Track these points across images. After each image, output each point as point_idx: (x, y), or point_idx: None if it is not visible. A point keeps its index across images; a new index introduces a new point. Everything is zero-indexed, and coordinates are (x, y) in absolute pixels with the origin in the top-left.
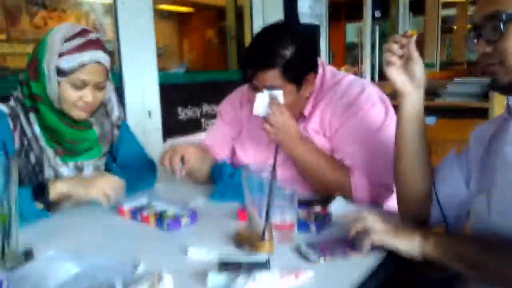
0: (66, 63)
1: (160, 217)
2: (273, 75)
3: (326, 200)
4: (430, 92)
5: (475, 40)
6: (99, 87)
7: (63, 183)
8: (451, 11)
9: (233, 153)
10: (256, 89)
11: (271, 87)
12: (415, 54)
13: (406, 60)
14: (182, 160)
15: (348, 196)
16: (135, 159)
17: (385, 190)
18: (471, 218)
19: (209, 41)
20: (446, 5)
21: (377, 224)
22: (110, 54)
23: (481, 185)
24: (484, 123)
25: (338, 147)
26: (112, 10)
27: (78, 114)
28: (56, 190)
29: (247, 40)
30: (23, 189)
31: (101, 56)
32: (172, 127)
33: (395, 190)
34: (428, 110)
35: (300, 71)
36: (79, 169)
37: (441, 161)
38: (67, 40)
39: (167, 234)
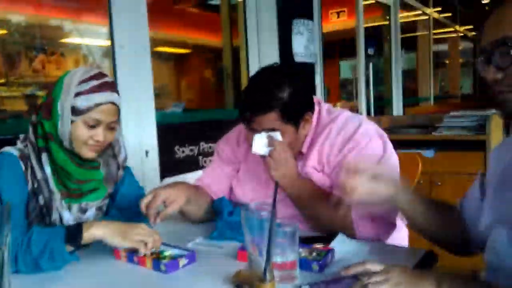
0: (82, 102)
1: (157, 259)
2: (271, 118)
3: (328, 237)
4: (427, 126)
5: (484, 66)
6: (110, 127)
7: (99, 228)
8: (443, 47)
9: (230, 191)
10: (255, 131)
11: (269, 130)
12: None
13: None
14: (164, 204)
15: (350, 233)
16: (134, 201)
17: (387, 225)
18: (488, 251)
19: (206, 81)
20: (437, 41)
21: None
22: None
23: (498, 215)
24: (501, 143)
25: (338, 184)
26: (109, 52)
27: (88, 153)
28: (90, 235)
29: (244, 79)
30: (57, 230)
31: (115, 97)
32: (170, 166)
33: (397, 224)
34: (426, 144)
35: (297, 112)
36: (82, 211)
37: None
38: (84, 81)
39: (165, 276)
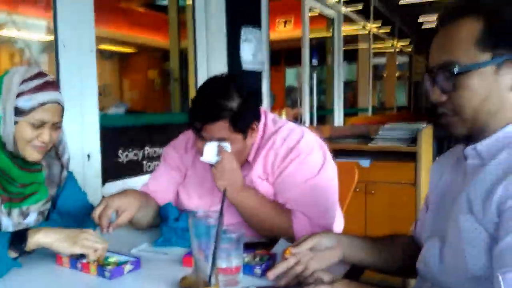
0: (25, 102)
1: (101, 265)
2: (220, 127)
3: (270, 243)
4: (364, 136)
5: (430, 87)
6: (55, 127)
7: (47, 235)
8: (382, 60)
9: (177, 197)
10: (204, 139)
11: (219, 139)
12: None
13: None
14: (117, 212)
15: (291, 238)
16: (77, 206)
17: (325, 227)
18: (420, 260)
19: (151, 82)
20: (376, 54)
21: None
22: None
23: (435, 228)
24: (443, 155)
25: (280, 191)
26: (49, 49)
27: (32, 154)
28: (35, 241)
29: (191, 82)
30: (0, 235)
31: (58, 96)
32: (113, 170)
33: (334, 230)
34: (363, 153)
35: (245, 121)
36: (23, 216)
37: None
38: (25, 81)
39: (109, 283)
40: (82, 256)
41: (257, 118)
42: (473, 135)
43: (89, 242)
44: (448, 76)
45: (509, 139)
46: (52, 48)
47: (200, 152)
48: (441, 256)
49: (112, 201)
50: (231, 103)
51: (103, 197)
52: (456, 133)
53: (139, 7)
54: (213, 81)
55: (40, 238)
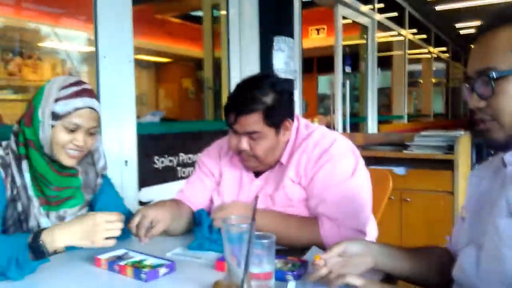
0: (61, 107)
1: (137, 268)
2: (254, 119)
3: (302, 250)
4: (399, 144)
5: (469, 93)
6: (90, 133)
7: (62, 238)
8: (417, 66)
9: (210, 203)
10: (237, 133)
11: (252, 132)
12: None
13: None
14: (151, 223)
15: (320, 245)
16: (114, 211)
17: (356, 233)
18: (456, 269)
19: (185, 91)
20: (412, 61)
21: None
22: None
23: (472, 235)
24: (481, 165)
25: (312, 194)
26: (89, 59)
27: (67, 159)
28: (56, 244)
29: (224, 91)
30: (20, 239)
31: (94, 103)
32: (149, 176)
33: (367, 232)
34: (397, 161)
35: (279, 116)
36: (60, 219)
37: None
38: (64, 88)
39: (145, 285)
40: (120, 258)
41: (291, 116)
42: (511, 143)
43: (103, 234)
44: (486, 82)
45: None
46: (91, 59)
47: (233, 148)
48: (478, 262)
49: (147, 212)
50: (266, 97)
51: (139, 208)
52: (494, 140)
53: (175, 18)
54: (249, 78)
55: (58, 243)
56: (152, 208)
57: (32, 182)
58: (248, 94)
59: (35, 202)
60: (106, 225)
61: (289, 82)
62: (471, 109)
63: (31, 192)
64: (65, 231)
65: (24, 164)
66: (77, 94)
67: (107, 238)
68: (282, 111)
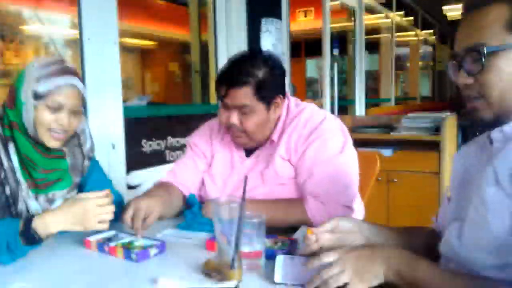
0: (42, 86)
1: (128, 248)
2: (245, 93)
3: (291, 228)
4: (386, 126)
5: (455, 71)
6: (74, 112)
7: (56, 223)
8: (405, 50)
9: (202, 185)
10: (227, 107)
11: (242, 106)
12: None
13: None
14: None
15: (311, 224)
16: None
17: (344, 209)
18: (443, 244)
19: (172, 75)
20: (399, 44)
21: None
22: None
23: (457, 212)
24: (466, 144)
25: (300, 170)
26: (73, 43)
27: (52, 141)
28: (48, 230)
29: (212, 74)
30: (11, 224)
31: (77, 81)
32: (137, 159)
33: (354, 208)
34: (385, 143)
35: (270, 91)
36: (49, 202)
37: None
38: (45, 67)
39: (136, 265)
40: (110, 240)
41: (282, 93)
42: (499, 120)
43: (96, 218)
44: (476, 58)
45: None
46: (75, 42)
47: (223, 123)
48: (461, 232)
49: (140, 204)
50: (257, 70)
51: (130, 200)
52: (482, 118)
53: (160, 0)
54: (242, 53)
55: (52, 226)
56: (144, 199)
57: (19, 164)
58: (240, 67)
59: (23, 185)
60: (98, 209)
61: (281, 60)
62: (458, 86)
63: (19, 175)
64: (57, 217)
65: (11, 147)
66: (58, 72)
67: (100, 222)
68: (273, 87)
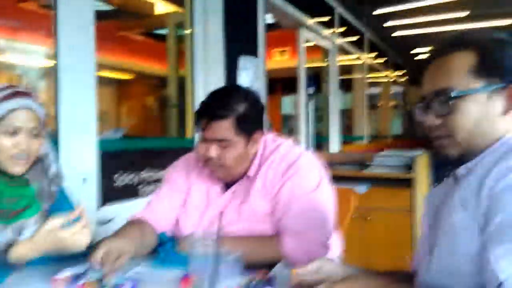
0: None
1: (99, 286)
2: (225, 126)
3: (268, 265)
4: (360, 163)
5: (423, 113)
6: (32, 134)
7: (31, 255)
8: (376, 90)
9: (177, 221)
10: (206, 140)
11: (221, 140)
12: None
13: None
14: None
15: (285, 261)
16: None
17: (319, 247)
18: (418, 276)
19: (148, 108)
20: (371, 84)
21: None
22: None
23: (430, 246)
24: (436, 186)
25: (277, 207)
26: (47, 73)
27: (14, 167)
28: (23, 259)
29: (189, 109)
30: None
31: (30, 103)
32: (110, 193)
33: (330, 248)
34: (359, 179)
35: (250, 126)
36: (19, 231)
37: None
38: None
39: None
40: (79, 277)
41: (261, 128)
42: (465, 156)
43: (75, 244)
44: (444, 100)
45: (497, 152)
46: (51, 74)
47: (201, 156)
48: (432, 262)
49: (111, 245)
50: (238, 104)
51: (101, 240)
52: (449, 154)
53: (139, 35)
54: (223, 87)
55: (25, 258)
56: (116, 240)
57: None
58: (221, 100)
59: None
60: (74, 236)
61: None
62: (426, 127)
63: None
64: (32, 251)
65: None
66: (9, 97)
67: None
68: (253, 121)
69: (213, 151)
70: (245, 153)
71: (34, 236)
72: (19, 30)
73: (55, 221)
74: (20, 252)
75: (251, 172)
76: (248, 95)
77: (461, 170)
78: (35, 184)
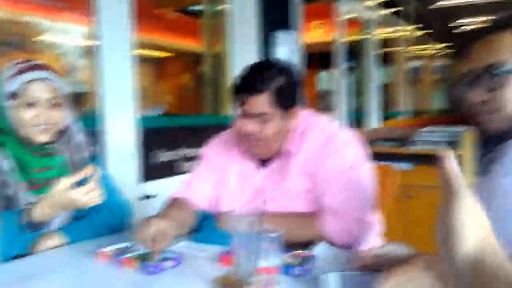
0: (12, 85)
1: (144, 260)
2: (264, 100)
3: (309, 244)
4: (403, 140)
5: (469, 88)
6: (51, 105)
7: (47, 214)
8: (418, 63)
9: (216, 198)
10: (245, 115)
11: (260, 114)
12: None
13: None
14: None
15: (324, 239)
16: (110, 200)
17: (362, 224)
18: None
19: (185, 86)
20: (413, 58)
21: None
22: (79, 94)
23: None
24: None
25: (316, 184)
26: (87, 52)
27: (39, 136)
28: (43, 218)
29: (224, 85)
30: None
31: (45, 74)
32: (151, 170)
33: (371, 227)
34: (402, 157)
35: (288, 100)
36: None
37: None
38: (11, 67)
39: (148, 278)
40: (124, 251)
41: (299, 103)
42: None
43: (86, 201)
44: (495, 75)
45: None
46: (90, 53)
47: (240, 131)
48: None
49: (157, 224)
50: (276, 78)
51: (146, 218)
52: (495, 128)
53: (174, 12)
54: (260, 61)
55: (45, 217)
56: (161, 220)
57: (16, 168)
58: (258, 75)
59: (22, 187)
60: (85, 196)
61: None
62: (472, 102)
63: (16, 177)
64: (45, 206)
65: (3, 152)
66: (25, 70)
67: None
68: (291, 95)
69: (252, 126)
70: (283, 128)
71: (48, 197)
72: (59, 10)
73: (65, 181)
74: (38, 212)
75: (293, 148)
76: (285, 69)
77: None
78: (62, 154)
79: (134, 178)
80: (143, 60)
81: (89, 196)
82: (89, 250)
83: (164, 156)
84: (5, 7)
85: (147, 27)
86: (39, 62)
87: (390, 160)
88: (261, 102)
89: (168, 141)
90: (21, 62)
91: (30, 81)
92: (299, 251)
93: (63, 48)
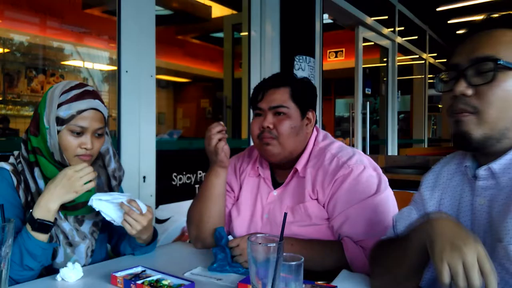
0: (64, 111)
1: (156, 287)
2: (283, 93)
3: (331, 273)
4: (423, 167)
5: (454, 81)
6: (97, 134)
7: (51, 200)
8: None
9: (229, 220)
10: (262, 113)
11: (278, 106)
12: None
13: None
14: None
15: (348, 268)
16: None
17: None
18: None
19: (203, 110)
20: (432, 85)
21: None
22: (106, 117)
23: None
24: (434, 169)
25: (334, 213)
26: (110, 77)
27: (77, 162)
28: (50, 211)
29: (244, 110)
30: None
31: (97, 104)
32: (166, 192)
33: None
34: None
35: (305, 100)
36: (79, 222)
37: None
38: (65, 92)
39: None
40: (136, 276)
41: (314, 107)
42: (486, 144)
43: (82, 181)
44: (483, 69)
45: None
46: (112, 77)
47: (255, 130)
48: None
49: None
50: (294, 79)
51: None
52: (474, 136)
53: (195, 39)
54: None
55: (50, 207)
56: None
57: None
58: (276, 75)
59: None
60: (79, 173)
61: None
62: (453, 97)
63: None
64: (48, 196)
65: (37, 171)
66: (78, 97)
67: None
68: (308, 97)
69: (269, 120)
70: (298, 130)
71: (46, 185)
72: (84, 35)
73: (66, 169)
74: (40, 204)
75: (299, 166)
76: (303, 77)
77: (481, 171)
78: (97, 177)
79: (148, 201)
80: (163, 85)
81: (84, 180)
82: (104, 274)
83: (181, 179)
84: (35, 33)
85: (168, 53)
86: (90, 88)
87: (410, 187)
88: (280, 95)
89: (185, 164)
90: (76, 87)
91: (82, 110)
92: (320, 282)
93: (87, 72)
